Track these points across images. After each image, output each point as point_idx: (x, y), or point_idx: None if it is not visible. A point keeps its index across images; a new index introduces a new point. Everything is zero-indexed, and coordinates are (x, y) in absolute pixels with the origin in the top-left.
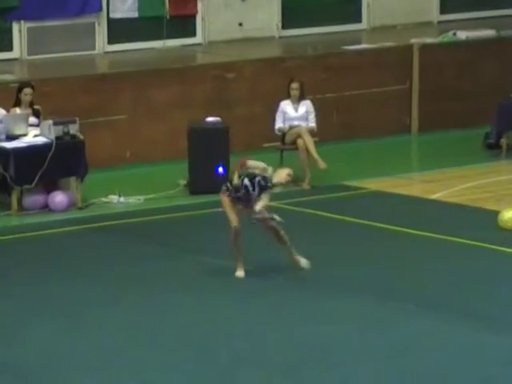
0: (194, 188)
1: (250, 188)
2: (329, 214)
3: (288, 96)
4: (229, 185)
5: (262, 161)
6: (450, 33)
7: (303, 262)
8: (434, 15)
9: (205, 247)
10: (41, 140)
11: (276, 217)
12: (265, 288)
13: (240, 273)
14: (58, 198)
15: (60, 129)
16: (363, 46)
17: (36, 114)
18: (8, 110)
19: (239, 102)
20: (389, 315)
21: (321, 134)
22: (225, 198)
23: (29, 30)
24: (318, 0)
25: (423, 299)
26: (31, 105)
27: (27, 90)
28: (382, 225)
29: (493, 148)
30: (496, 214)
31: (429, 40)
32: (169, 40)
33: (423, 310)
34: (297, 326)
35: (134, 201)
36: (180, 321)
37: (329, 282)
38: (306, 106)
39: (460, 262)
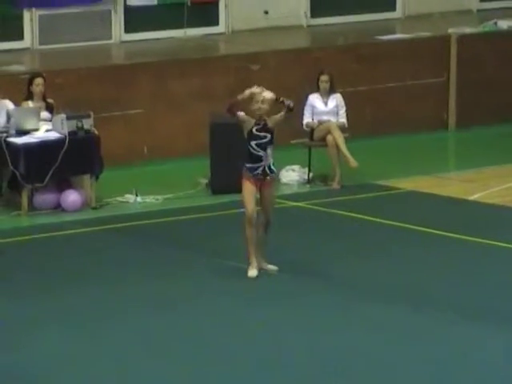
0: (215, 187)
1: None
2: (360, 216)
3: (317, 89)
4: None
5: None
6: (491, 22)
7: (270, 266)
8: (474, 3)
9: (227, 251)
10: (53, 135)
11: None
12: (291, 291)
13: (252, 272)
14: (71, 197)
15: (73, 123)
16: (397, 35)
17: (49, 107)
18: (19, 104)
19: None
20: (426, 324)
21: (352, 130)
22: (245, 183)
23: (40, 17)
24: None
25: (463, 307)
26: (44, 98)
27: (38, 80)
28: (417, 227)
29: None
30: None
31: (468, 30)
32: (189, 29)
33: (464, 318)
34: (327, 333)
35: (152, 201)
36: (199, 327)
37: (360, 287)
38: (336, 100)
39: (503, 267)
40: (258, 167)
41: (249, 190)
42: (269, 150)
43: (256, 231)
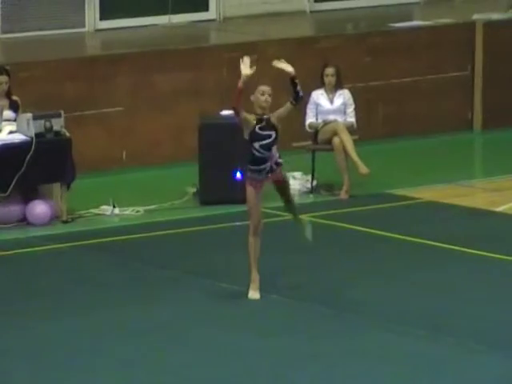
0: (205, 197)
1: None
2: (371, 230)
3: (322, 84)
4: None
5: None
6: None
7: (308, 232)
8: None
9: (219, 271)
10: (18, 138)
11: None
12: (292, 317)
13: (254, 293)
14: (39, 208)
15: (41, 124)
16: (415, 22)
17: (13, 106)
18: None
19: None
20: (445, 353)
21: (362, 132)
22: (248, 189)
23: (3, 2)
24: None
25: (487, 335)
26: (8, 95)
27: (1, 78)
28: (436, 243)
29: None
30: None
31: (495, 16)
32: (175, 15)
33: (486, 348)
34: (334, 365)
35: (132, 213)
36: (185, 360)
37: (371, 311)
38: (343, 97)
39: None
40: (263, 169)
41: (253, 195)
42: (274, 150)
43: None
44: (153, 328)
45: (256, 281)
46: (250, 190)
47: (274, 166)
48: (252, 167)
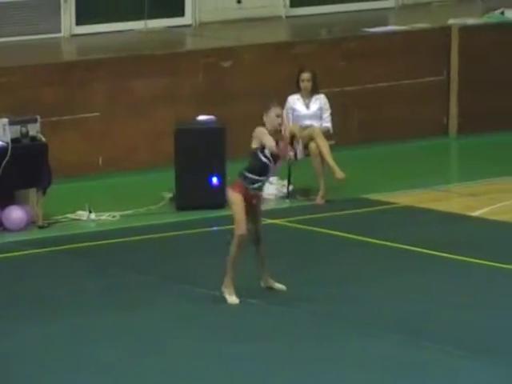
0: (181, 202)
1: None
2: (348, 235)
3: (297, 89)
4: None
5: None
6: (497, 12)
7: (278, 285)
8: None
9: (195, 275)
10: None
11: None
12: (274, 324)
13: (233, 298)
14: (14, 214)
15: (17, 129)
16: (390, 27)
17: None
18: None
19: (238, 96)
20: (424, 359)
21: (338, 137)
22: (237, 196)
23: None
24: None
25: (465, 340)
26: None
27: None
28: (413, 248)
29: None
30: None
31: (471, 20)
32: (151, 20)
33: (466, 353)
34: (313, 371)
35: (108, 218)
36: (164, 366)
37: (349, 317)
38: (319, 102)
39: (511, 293)
40: (261, 181)
41: (242, 205)
42: (273, 168)
43: (251, 250)
44: (131, 333)
45: (231, 288)
46: (238, 199)
47: (265, 186)
48: (249, 175)
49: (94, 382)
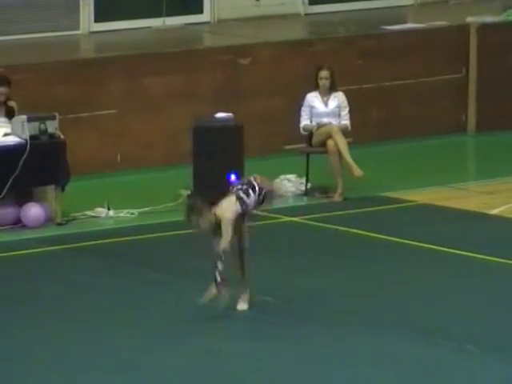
0: None
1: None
2: (365, 233)
3: (316, 87)
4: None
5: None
6: None
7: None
8: None
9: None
10: (12, 140)
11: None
12: (284, 322)
13: (243, 305)
14: (33, 211)
15: (36, 126)
16: (408, 25)
17: (10, 112)
18: None
19: (256, 94)
20: (441, 357)
21: (356, 134)
22: (233, 216)
23: None
24: None
25: (484, 338)
26: (4, 102)
27: (1, 90)
28: (430, 246)
29: None
30: None
31: (489, 18)
32: (169, 17)
33: (484, 351)
34: (329, 370)
35: (126, 215)
36: (175, 363)
37: (366, 316)
38: (337, 100)
39: None
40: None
41: (233, 224)
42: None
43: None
44: (146, 331)
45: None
46: (233, 218)
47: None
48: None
49: (113, 377)
